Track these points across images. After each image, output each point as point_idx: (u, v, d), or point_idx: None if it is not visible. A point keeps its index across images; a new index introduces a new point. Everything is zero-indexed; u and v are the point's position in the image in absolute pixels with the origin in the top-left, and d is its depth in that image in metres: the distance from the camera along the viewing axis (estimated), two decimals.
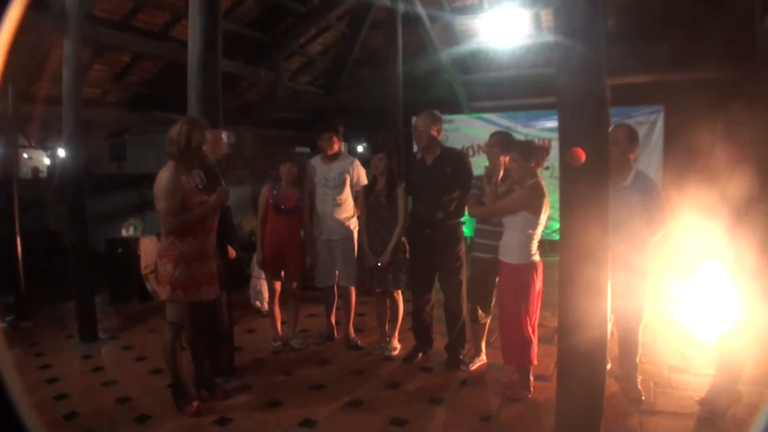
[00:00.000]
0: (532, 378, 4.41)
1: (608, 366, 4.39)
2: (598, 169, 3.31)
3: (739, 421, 3.82)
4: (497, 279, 4.66)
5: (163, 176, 4.01)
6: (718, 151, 4.01)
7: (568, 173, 3.34)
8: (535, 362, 4.36)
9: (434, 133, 5.03)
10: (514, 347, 4.33)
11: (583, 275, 3.28)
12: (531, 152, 4.31)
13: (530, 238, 4.23)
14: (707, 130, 4.23)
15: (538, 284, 4.29)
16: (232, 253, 6.55)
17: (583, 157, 3.15)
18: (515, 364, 4.41)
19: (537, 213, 4.18)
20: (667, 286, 5.89)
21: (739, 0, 7.75)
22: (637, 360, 4.28)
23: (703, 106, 6.47)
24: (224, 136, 4.66)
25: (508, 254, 4.32)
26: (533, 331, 4.32)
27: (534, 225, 4.20)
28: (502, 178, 4.53)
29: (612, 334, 4.21)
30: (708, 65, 8.69)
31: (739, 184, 3.75)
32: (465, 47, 11.00)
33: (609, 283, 3.39)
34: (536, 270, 4.26)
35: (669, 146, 8.52)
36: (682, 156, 7.64)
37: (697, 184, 4.25)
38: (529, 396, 4.33)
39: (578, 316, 3.32)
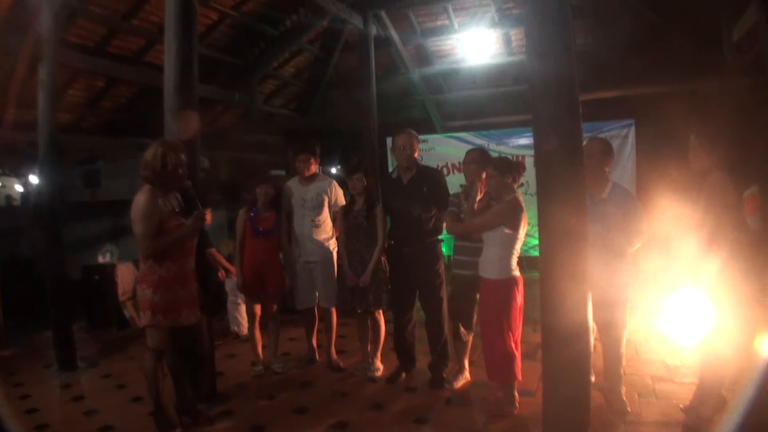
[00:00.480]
0: (516, 394, 4.42)
1: (593, 379, 4.43)
2: (573, 182, 3.37)
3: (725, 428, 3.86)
4: (478, 295, 4.70)
5: (140, 199, 3.97)
6: (691, 161, 4.09)
7: (546, 186, 3.40)
8: (519, 378, 4.37)
9: (416, 153, 5.09)
10: (498, 364, 4.34)
11: (564, 287, 3.33)
12: (508, 168, 4.36)
13: (510, 254, 4.27)
14: (678, 142, 4.30)
15: (520, 299, 4.32)
16: (222, 275, 6.54)
17: None
18: (500, 380, 4.42)
19: (516, 228, 4.22)
20: (647, 297, 5.94)
21: (706, 12, 7.92)
22: (621, 371, 4.31)
23: (674, 119, 6.58)
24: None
25: (488, 270, 4.34)
26: (516, 347, 4.33)
27: (513, 240, 4.24)
28: (478, 195, 4.60)
29: (595, 347, 4.24)
30: (677, 78, 8.85)
31: (711, 192, 3.83)
32: (437, 67, 11.10)
33: (590, 295, 3.43)
34: (517, 285, 4.29)
35: (641, 159, 8.64)
36: (655, 168, 7.76)
37: (670, 194, 4.34)
38: (515, 412, 4.34)
39: (561, 326, 3.35)
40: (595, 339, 4.29)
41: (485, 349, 4.46)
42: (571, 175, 3.36)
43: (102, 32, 7.76)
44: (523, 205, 4.30)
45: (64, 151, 6.44)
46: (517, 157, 8.63)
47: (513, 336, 4.31)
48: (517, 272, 4.31)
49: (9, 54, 6.55)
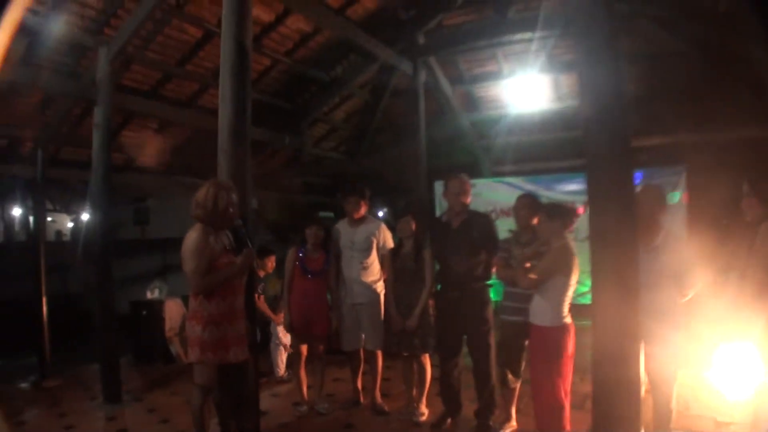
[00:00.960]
0: None
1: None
2: (625, 229, 3.32)
3: None
4: (527, 342, 4.63)
5: (191, 237, 4.04)
6: (743, 209, 4.01)
7: (597, 233, 3.36)
8: (568, 428, 4.26)
9: (466, 199, 5.08)
10: (547, 412, 4.24)
11: (616, 339, 3.26)
12: (558, 213, 4.32)
13: (561, 301, 4.20)
14: (731, 190, 4.22)
15: (571, 347, 4.23)
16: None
17: None
18: (549, 429, 4.32)
19: (567, 274, 4.16)
20: (698, 350, 5.77)
21: (759, 57, 7.81)
22: (671, 426, 4.17)
23: (726, 166, 6.47)
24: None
25: (539, 317, 4.28)
26: (566, 396, 4.24)
27: (565, 287, 4.17)
28: (529, 240, 4.57)
29: (645, 399, 4.13)
30: (730, 125, 8.72)
31: (765, 241, 3.74)
32: (485, 113, 11.15)
33: (642, 345, 3.36)
34: (569, 332, 4.21)
35: (692, 207, 8.48)
36: (706, 216, 7.61)
37: (721, 243, 4.24)
38: None
39: (612, 377, 3.27)
40: (646, 392, 4.18)
41: (535, 397, 4.38)
42: (623, 221, 3.32)
43: (157, 77, 8.03)
44: (573, 250, 4.25)
45: (116, 190, 6.62)
46: (573, 203, 8.58)
47: (563, 385, 4.22)
48: (568, 319, 4.23)
49: (65, 96, 6.83)
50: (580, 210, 7.08)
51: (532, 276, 4.31)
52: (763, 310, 3.70)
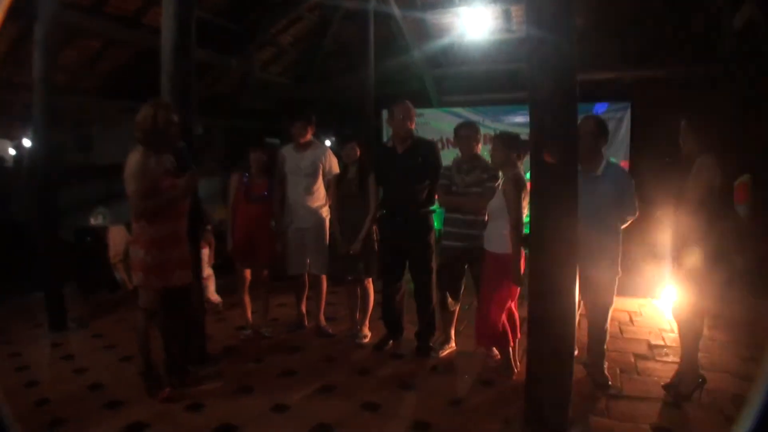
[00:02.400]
0: (516, 360, 4.55)
1: (575, 352, 4.52)
2: (567, 161, 3.40)
3: (703, 405, 3.96)
4: (466, 267, 4.77)
5: (132, 159, 3.98)
6: (681, 145, 4.14)
7: (539, 165, 3.42)
8: (512, 343, 4.47)
9: (411, 124, 5.09)
10: (484, 331, 4.41)
11: (555, 257, 3.38)
12: (515, 143, 4.39)
13: None
14: (673, 126, 4.34)
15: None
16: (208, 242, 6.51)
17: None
18: (485, 345, 4.58)
19: (520, 202, 4.23)
20: (633, 279, 6.00)
21: None
22: (605, 347, 4.39)
23: (670, 103, 6.61)
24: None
25: (493, 244, 4.39)
26: (516, 316, 4.44)
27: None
28: (470, 168, 4.66)
29: (580, 322, 4.33)
30: (674, 63, 8.87)
31: (697, 174, 3.88)
32: (436, 42, 11.06)
33: (578, 270, 3.49)
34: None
35: (635, 142, 8.68)
36: (648, 151, 7.81)
37: (661, 177, 4.38)
38: (514, 377, 4.45)
39: (548, 303, 3.41)
40: (581, 314, 4.37)
41: (479, 317, 4.49)
42: (564, 153, 3.39)
43: None
44: (525, 179, 4.32)
45: (59, 114, 6.39)
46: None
47: (513, 305, 4.42)
48: None
49: (3, 11, 6.48)
50: None
51: (484, 202, 4.45)
52: (694, 243, 3.87)
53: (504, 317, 4.38)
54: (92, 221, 8.03)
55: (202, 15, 7.36)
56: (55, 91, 6.18)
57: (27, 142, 13.06)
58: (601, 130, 4.31)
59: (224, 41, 9.80)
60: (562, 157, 3.37)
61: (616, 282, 4.27)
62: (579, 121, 4.09)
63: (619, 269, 4.25)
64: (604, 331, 4.35)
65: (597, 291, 4.24)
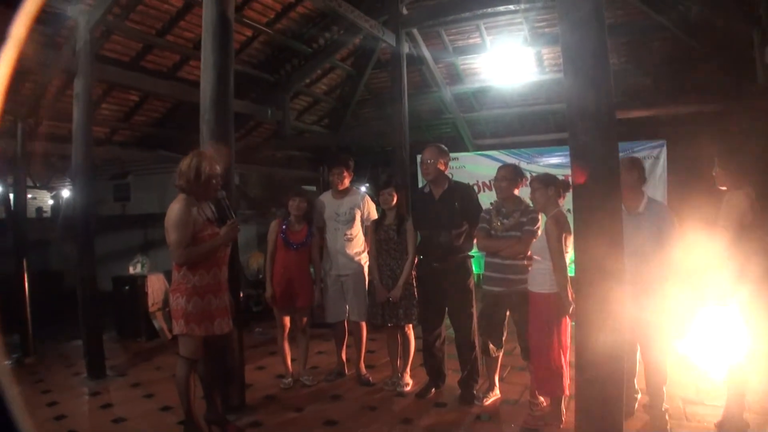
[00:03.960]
0: (564, 408, 4.39)
1: (638, 396, 4.41)
2: (610, 197, 3.36)
3: None
4: (508, 313, 4.69)
5: (174, 208, 4.02)
6: (716, 180, 4.11)
7: (582, 196, 3.38)
8: (567, 393, 4.32)
9: (441, 166, 5.07)
10: (547, 378, 4.31)
11: (600, 294, 3.30)
12: (552, 182, 4.37)
13: None
14: (708, 163, 4.31)
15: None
16: None
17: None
18: (549, 393, 4.42)
19: (563, 241, 4.18)
20: (677, 318, 5.84)
21: (738, 35, 7.85)
22: (664, 389, 4.25)
23: (704, 140, 6.52)
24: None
25: (538, 284, 4.33)
26: (566, 361, 4.30)
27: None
28: (509, 212, 4.62)
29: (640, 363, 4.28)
30: (708, 99, 8.79)
31: (727, 210, 3.84)
32: (468, 86, 11.14)
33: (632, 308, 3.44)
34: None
35: (672, 179, 8.57)
36: (686, 188, 7.69)
37: (700, 214, 4.31)
38: (561, 426, 4.32)
39: (595, 337, 3.31)
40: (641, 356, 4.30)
41: (534, 363, 4.43)
42: (607, 191, 3.34)
43: (137, 47, 7.92)
44: (567, 219, 4.27)
45: (96, 165, 6.53)
46: (566, 176, 8.65)
47: (563, 350, 4.28)
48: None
49: (44, 67, 6.69)
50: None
51: (523, 246, 4.41)
52: (743, 280, 3.78)
53: (565, 359, 4.28)
54: (131, 270, 8.11)
55: (237, 68, 7.53)
56: (93, 142, 6.32)
57: (65, 193, 13.37)
58: (638, 170, 4.27)
59: (260, 92, 9.99)
60: (604, 193, 3.33)
61: (671, 321, 4.17)
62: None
63: (674, 306, 4.16)
64: (662, 373, 4.23)
65: (648, 331, 4.12)
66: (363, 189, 14.46)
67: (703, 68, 8.90)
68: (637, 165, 4.35)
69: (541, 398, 4.60)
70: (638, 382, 4.49)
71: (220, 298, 4.15)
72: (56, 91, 7.64)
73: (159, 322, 7.68)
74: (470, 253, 5.12)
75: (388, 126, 9.15)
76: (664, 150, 8.62)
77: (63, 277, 10.19)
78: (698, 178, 6.18)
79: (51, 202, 19.09)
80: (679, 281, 4.21)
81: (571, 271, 3.87)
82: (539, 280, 4.32)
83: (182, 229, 3.96)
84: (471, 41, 10.22)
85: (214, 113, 4.76)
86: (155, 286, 7.83)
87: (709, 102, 8.86)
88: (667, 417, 4.19)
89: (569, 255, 4.24)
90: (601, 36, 3.38)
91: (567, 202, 4.19)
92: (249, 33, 8.78)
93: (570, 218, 3.88)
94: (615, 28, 8.54)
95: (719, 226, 3.91)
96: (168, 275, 4.92)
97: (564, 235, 4.16)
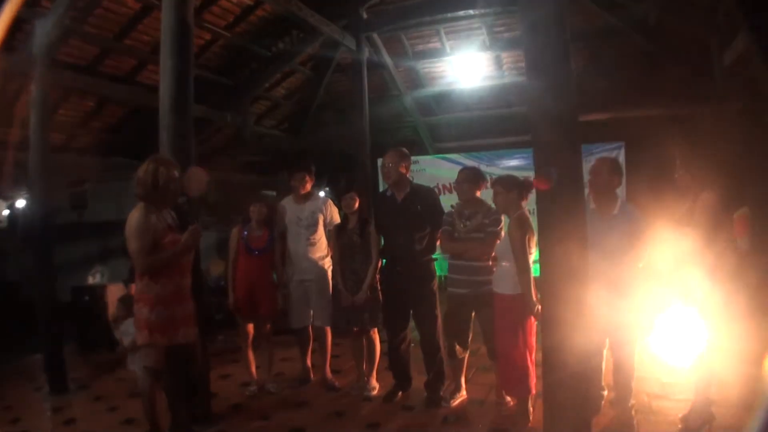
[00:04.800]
0: (531, 407, 4.42)
1: (605, 393, 4.46)
2: (573, 194, 3.40)
3: None
4: (473, 314, 4.71)
5: (133, 216, 3.92)
6: (677, 183, 4.17)
7: (546, 197, 3.42)
8: (533, 392, 4.35)
9: (403, 170, 5.07)
10: (514, 379, 4.34)
11: (566, 294, 3.33)
12: (513, 184, 4.39)
13: None
14: (667, 165, 4.37)
15: None
16: None
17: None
18: (516, 394, 4.46)
19: (527, 243, 4.22)
20: (641, 316, 5.94)
21: (697, 38, 8.04)
22: (632, 384, 4.29)
23: (664, 142, 6.65)
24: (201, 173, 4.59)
25: (503, 286, 4.36)
26: (531, 361, 4.33)
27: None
28: (471, 214, 4.64)
29: (608, 360, 4.33)
30: (667, 102, 8.97)
31: (702, 212, 3.91)
32: (429, 90, 11.20)
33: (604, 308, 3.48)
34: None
35: (633, 180, 8.71)
36: (644, 189, 7.83)
37: (660, 216, 4.39)
38: (529, 425, 4.34)
39: (563, 337, 3.33)
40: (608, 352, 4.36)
41: (500, 363, 4.47)
42: (571, 191, 3.38)
43: (94, 52, 7.78)
44: (530, 220, 4.31)
45: (53, 173, 6.37)
46: (527, 177, 8.73)
47: (529, 350, 4.31)
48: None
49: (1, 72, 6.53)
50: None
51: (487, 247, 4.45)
52: (703, 278, 3.86)
53: (531, 359, 4.32)
54: (90, 279, 7.96)
55: (196, 72, 7.45)
56: (49, 149, 6.18)
57: (21, 202, 13.05)
58: (613, 171, 4.31)
59: (219, 96, 9.89)
60: (568, 193, 3.37)
61: (639, 319, 4.22)
62: (593, 162, 4.24)
63: (644, 305, 4.21)
64: (631, 369, 4.27)
65: (619, 329, 4.17)
66: (322, 193, 14.47)
67: (662, 72, 9.07)
68: (618, 169, 4.39)
69: (508, 398, 4.65)
70: (604, 379, 4.54)
71: (184, 306, 4.07)
72: (11, 96, 7.45)
73: (120, 333, 7.52)
74: (433, 256, 5.14)
75: (348, 130, 9.17)
76: (622, 152, 8.78)
77: (20, 288, 9.94)
78: (659, 180, 6.29)
79: (6, 211, 18.61)
80: (649, 280, 4.27)
81: (535, 272, 3.89)
82: (504, 281, 4.35)
83: (142, 237, 3.86)
84: (431, 46, 10.29)
85: (174, 118, 4.70)
86: (115, 296, 7.67)
87: (669, 105, 9.05)
88: (633, 412, 4.25)
89: (533, 256, 4.28)
90: (563, 38, 3.43)
91: (530, 202, 4.25)
92: (208, 37, 8.69)
93: (534, 219, 3.92)
94: (574, 33, 8.65)
95: (691, 225, 3.97)
96: (127, 285, 4.84)
97: (527, 236, 4.20)
